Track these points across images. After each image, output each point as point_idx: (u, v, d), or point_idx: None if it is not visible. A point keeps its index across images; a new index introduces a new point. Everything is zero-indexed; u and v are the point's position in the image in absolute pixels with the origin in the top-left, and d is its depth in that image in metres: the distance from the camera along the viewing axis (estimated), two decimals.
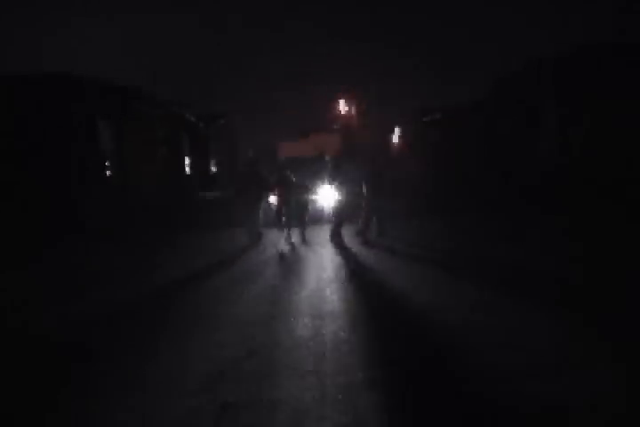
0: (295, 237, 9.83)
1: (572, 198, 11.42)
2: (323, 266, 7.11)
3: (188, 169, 20.42)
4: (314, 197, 11.03)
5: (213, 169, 23.38)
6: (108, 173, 14.83)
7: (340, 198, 9.62)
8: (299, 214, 9.92)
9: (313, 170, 11.51)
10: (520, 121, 15.07)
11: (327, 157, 13.45)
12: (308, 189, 10.30)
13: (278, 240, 9.67)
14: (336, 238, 9.34)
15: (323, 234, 10.33)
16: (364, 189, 9.61)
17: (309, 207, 10.45)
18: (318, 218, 11.68)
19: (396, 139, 31.25)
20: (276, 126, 27.45)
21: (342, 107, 29.02)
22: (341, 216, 9.55)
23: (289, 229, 9.74)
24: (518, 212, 11.92)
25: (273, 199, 10.08)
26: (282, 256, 8.26)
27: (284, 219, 9.83)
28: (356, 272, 6.61)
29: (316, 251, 8.64)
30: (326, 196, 11.35)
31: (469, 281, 5.62)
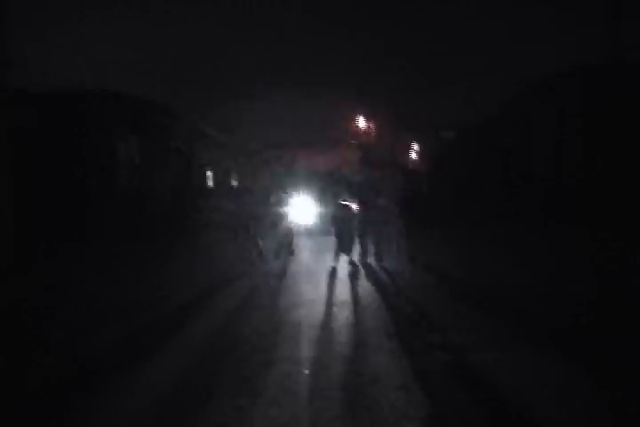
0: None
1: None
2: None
3: (210, 182, 21.14)
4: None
5: (234, 182, 24.01)
6: (123, 186, 15.24)
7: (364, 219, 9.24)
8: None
9: (329, 185, 11.45)
10: (525, 138, 15.36)
11: (345, 172, 13.90)
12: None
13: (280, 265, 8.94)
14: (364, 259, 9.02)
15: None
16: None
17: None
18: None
19: (413, 155, 31.77)
20: (294, 137, 27.76)
21: (361, 123, 29.26)
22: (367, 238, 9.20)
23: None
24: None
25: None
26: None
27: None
28: None
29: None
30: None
31: None
